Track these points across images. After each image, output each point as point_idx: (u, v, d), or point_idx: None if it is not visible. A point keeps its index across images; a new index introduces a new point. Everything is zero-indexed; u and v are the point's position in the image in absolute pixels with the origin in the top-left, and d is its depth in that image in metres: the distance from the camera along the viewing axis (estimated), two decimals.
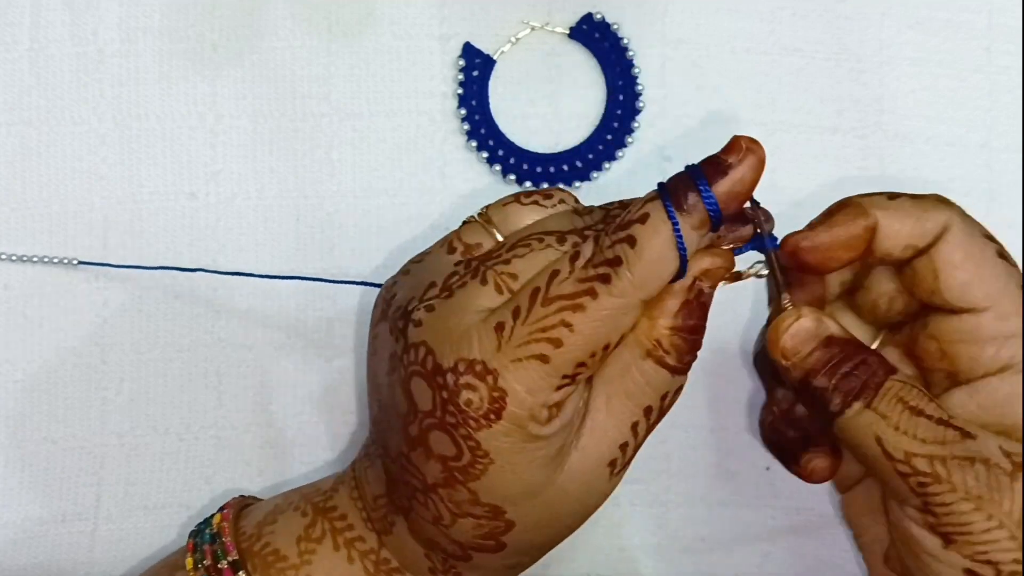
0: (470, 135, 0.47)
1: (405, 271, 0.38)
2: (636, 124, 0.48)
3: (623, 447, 0.35)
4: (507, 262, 0.34)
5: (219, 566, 0.37)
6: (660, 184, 0.33)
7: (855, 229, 0.35)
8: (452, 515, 0.34)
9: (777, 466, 0.47)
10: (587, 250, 0.33)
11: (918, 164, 0.48)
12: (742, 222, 0.35)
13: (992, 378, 0.34)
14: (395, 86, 0.47)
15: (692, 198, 0.33)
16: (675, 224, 0.32)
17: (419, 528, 0.36)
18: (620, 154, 0.47)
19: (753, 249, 0.36)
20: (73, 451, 0.46)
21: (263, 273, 0.45)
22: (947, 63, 0.49)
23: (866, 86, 0.48)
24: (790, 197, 0.47)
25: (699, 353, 0.47)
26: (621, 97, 0.48)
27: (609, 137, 0.47)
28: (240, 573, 0.36)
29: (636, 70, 0.48)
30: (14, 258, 0.45)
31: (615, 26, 0.48)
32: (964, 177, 0.48)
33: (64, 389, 0.46)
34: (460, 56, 0.47)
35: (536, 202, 0.37)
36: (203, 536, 0.38)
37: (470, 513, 0.34)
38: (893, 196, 0.36)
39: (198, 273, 0.45)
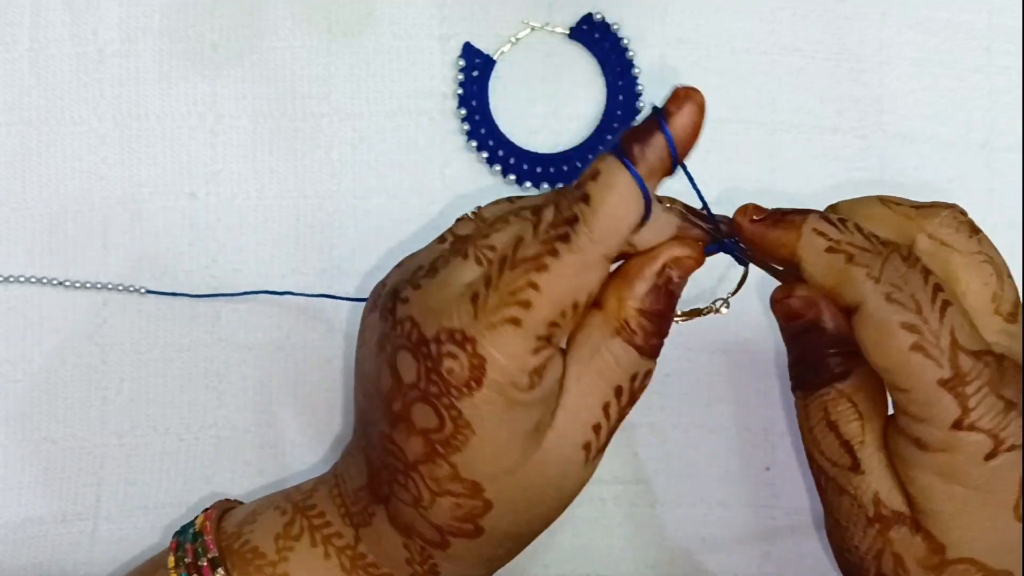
0: (470, 135, 0.47)
1: (399, 264, 0.38)
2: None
3: (596, 429, 0.35)
4: (486, 236, 0.35)
5: (199, 564, 0.37)
6: (613, 142, 0.34)
7: (778, 250, 0.35)
8: (432, 494, 0.34)
9: (777, 466, 0.47)
10: (548, 215, 0.34)
11: (918, 164, 0.48)
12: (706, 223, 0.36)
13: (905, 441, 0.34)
14: (395, 86, 0.47)
15: (640, 149, 0.33)
16: (633, 172, 0.33)
17: (398, 514, 0.36)
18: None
19: (719, 250, 0.37)
20: (73, 451, 0.46)
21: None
22: (947, 63, 0.49)
23: (866, 86, 0.48)
24: (790, 197, 0.47)
25: (699, 355, 0.47)
26: (621, 97, 0.48)
27: (609, 137, 0.47)
28: (219, 570, 0.37)
29: (636, 70, 0.48)
30: (87, 286, 0.45)
31: (615, 26, 0.48)
32: (964, 177, 0.48)
33: (64, 389, 0.46)
34: (460, 56, 0.47)
35: None
36: (186, 535, 0.39)
37: (449, 491, 0.34)
38: (836, 247, 0.34)
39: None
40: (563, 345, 0.35)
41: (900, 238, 0.35)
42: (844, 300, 0.34)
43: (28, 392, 0.45)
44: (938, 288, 0.33)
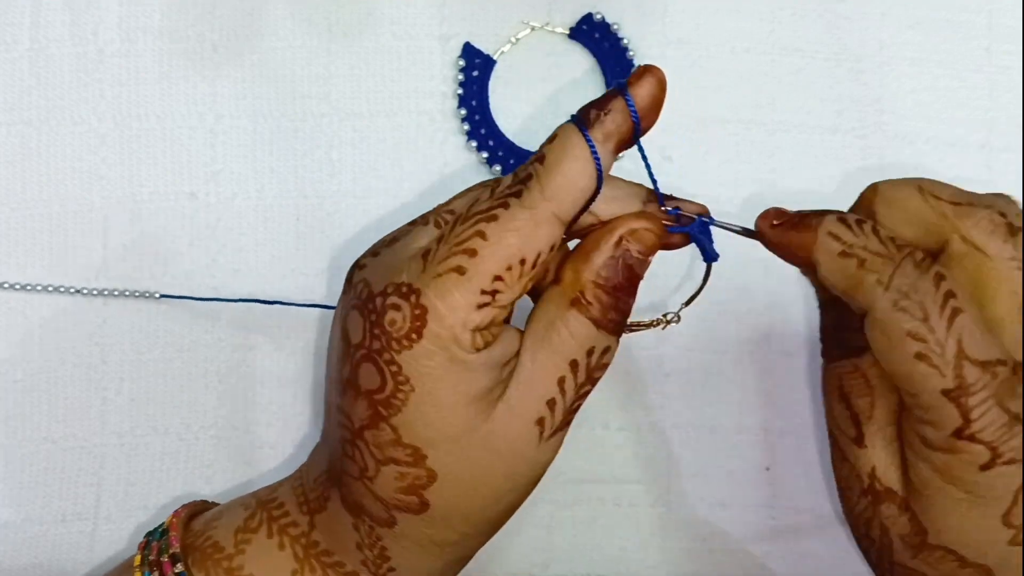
0: (470, 135, 0.47)
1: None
2: None
3: (550, 404, 0.35)
4: (447, 203, 0.37)
5: (161, 560, 0.37)
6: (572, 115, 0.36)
7: (796, 254, 0.35)
8: (376, 463, 0.34)
9: (777, 466, 0.47)
10: (507, 179, 0.35)
11: (918, 164, 0.48)
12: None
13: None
14: (395, 86, 0.47)
15: (597, 113, 0.35)
16: (585, 135, 0.34)
17: (348, 491, 0.36)
18: (620, 155, 0.47)
19: (684, 231, 0.37)
20: (73, 451, 0.46)
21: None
22: (947, 63, 0.49)
23: (866, 86, 0.48)
24: (790, 197, 0.47)
25: (698, 355, 0.47)
26: None
27: None
28: (178, 565, 0.37)
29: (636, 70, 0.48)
30: (106, 293, 0.45)
31: (615, 26, 0.48)
32: (964, 177, 0.48)
33: (64, 389, 0.46)
34: (460, 56, 0.47)
35: None
36: (155, 535, 0.39)
37: (392, 458, 0.34)
38: (848, 252, 0.34)
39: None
40: (506, 306, 0.34)
41: (932, 236, 0.35)
42: (856, 304, 0.34)
43: (28, 392, 0.45)
44: (949, 295, 0.33)
